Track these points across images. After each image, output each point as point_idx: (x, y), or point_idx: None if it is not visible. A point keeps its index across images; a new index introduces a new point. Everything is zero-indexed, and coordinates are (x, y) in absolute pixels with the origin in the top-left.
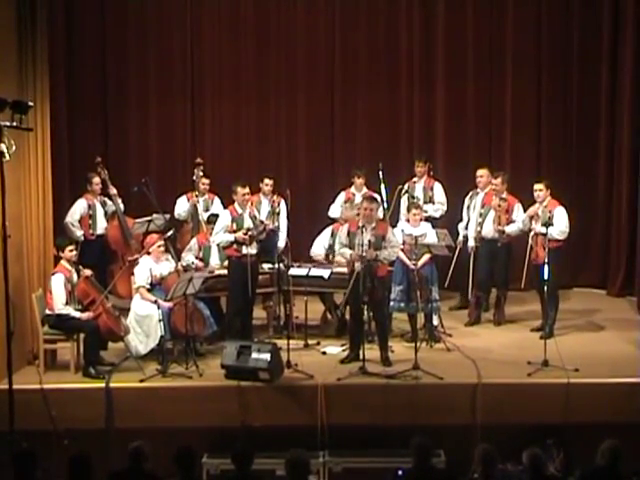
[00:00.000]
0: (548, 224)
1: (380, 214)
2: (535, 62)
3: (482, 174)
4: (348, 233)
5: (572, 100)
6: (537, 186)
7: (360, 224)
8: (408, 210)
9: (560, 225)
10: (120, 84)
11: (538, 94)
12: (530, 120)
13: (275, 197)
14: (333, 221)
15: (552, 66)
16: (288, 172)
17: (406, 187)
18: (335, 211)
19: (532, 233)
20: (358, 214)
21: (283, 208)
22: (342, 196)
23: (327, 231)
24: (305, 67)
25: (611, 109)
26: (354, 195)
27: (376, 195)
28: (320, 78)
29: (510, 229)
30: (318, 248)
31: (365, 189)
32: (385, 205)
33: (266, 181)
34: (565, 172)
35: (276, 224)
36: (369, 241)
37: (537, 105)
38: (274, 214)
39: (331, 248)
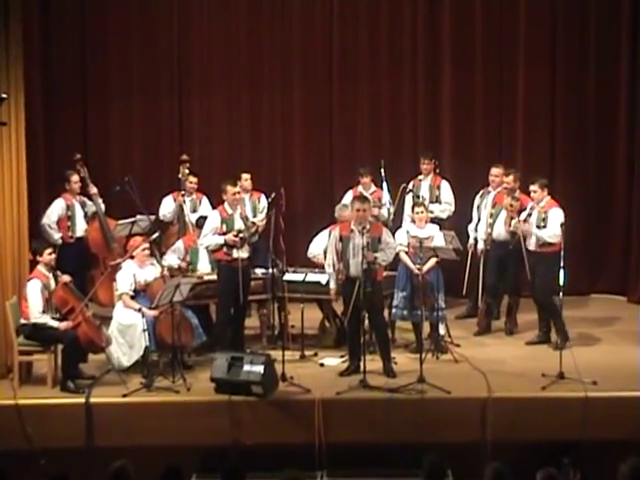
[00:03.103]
0: (541, 226)
1: (385, 214)
2: (549, 52)
3: (497, 173)
4: (340, 238)
5: (589, 93)
6: (531, 187)
7: (353, 226)
8: (412, 209)
9: (552, 228)
10: (101, 75)
11: (552, 87)
12: (543, 114)
13: (255, 193)
14: (331, 222)
15: (567, 56)
16: (283, 170)
17: (410, 186)
18: None
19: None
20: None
21: (264, 203)
22: (349, 195)
23: (324, 233)
24: (301, 57)
25: (631, 103)
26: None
27: (386, 194)
28: (317, 69)
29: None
30: (316, 248)
31: (373, 187)
32: (389, 206)
33: (244, 176)
34: (581, 170)
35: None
36: (367, 243)
37: (551, 98)
38: (257, 211)
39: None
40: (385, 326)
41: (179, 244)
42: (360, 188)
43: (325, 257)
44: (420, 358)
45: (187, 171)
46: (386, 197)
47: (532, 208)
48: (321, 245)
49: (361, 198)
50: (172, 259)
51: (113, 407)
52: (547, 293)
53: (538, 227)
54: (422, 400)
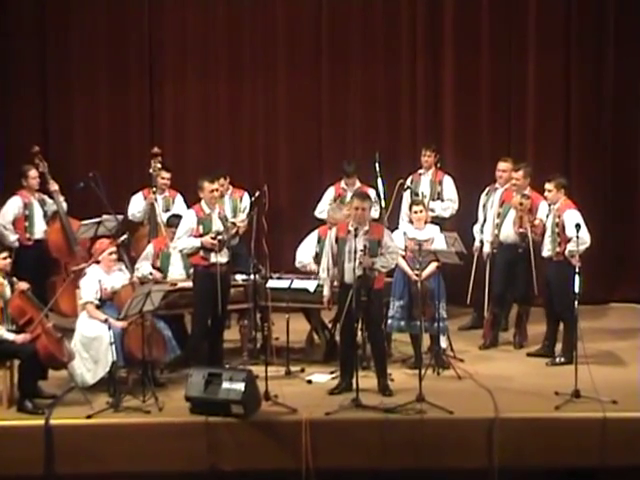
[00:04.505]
0: (556, 232)
1: (376, 214)
2: (563, 34)
3: (505, 168)
4: (336, 239)
5: (607, 80)
6: (547, 185)
7: (351, 227)
8: (410, 208)
9: (582, 236)
10: (63, 60)
11: (566, 72)
12: (557, 104)
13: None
14: (320, 223)
15: (583, 40)
16: (266, 164)
17: (409, 181)
18: (323, 211)
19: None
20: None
21: (246, 202)
22: (331, 192)
23: (312, 236)
24: (286, 38)
25: None
26: (345, 191)
27: (371, 190)
28: (304, 52)
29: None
30: (304, 256)
31: (358, 183)
32: (382, 203)
33: (222, 181)
34: (598, 166)
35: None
36: (364, 246)
37: (565, 85)
38: (237, 211)
39: (318, 257)
40: (383, 339)
41: (149, 249)
42: (343, 184)
43: (317, 263)
44: (419, 374)
45: (159, 166)
46: (373, 194)
47: (550, 211)
48: (309, 251)
49: (361, 195)
50: (145, 267)
51: (76, 429)
52: (568, 304)
53: (553, 233)
54: (421, 421)
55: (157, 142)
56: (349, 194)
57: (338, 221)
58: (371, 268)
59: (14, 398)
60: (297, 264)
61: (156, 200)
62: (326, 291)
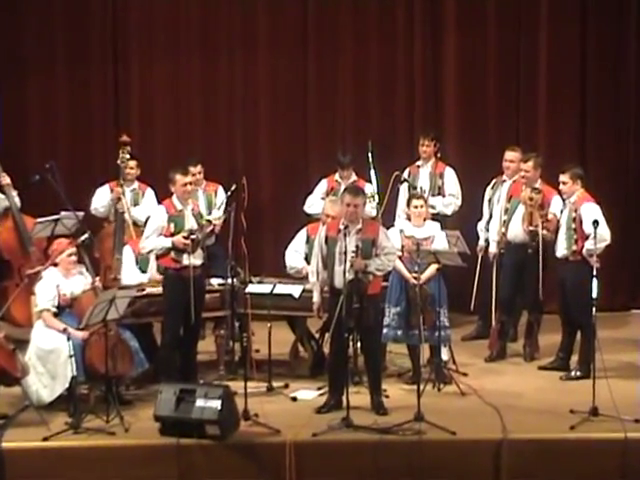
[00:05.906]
0: (572, 228)
1: (373, 212)
2: (579, 6)
3: (513, 158)
4: (326, 239)
5: (628, 57)
6: (562, 177)
7: (342, 225)
8: (408, 204)
9: (601, 232)
10: (15, 37)
11: (582, 50)
12: (571, 85)
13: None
14: (308, 220)
15: (601, 13)
16: (245, 155)
17: (406, 174)
18: (313, 205)
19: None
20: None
21: (221, 197)
22: (323, 185)
23: (300, 236)
24: (268, 9)
25: None
26: (339, 184)
27: (368, 185)
28: (288, 26)
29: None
30: (295, 260)
31: (355, 177)
32: (376, 198)
33: (194, 170)
34: (618, 155)
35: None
36: (356, 246)
37: (581, 65)
38: (212, 207)
39: (308, 259)
40: (379, 351)
41: (128, 252)
42: (337, 176)
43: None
44: (418, 390)
45: (128, 156)
46: (369, 188)
47: (565, 206)
48: (300, 252)
49: (353, 190)
50: (136, 275)
51: (31, 453)
52: (586, 310)
53: (568, 229)
54: (420, 443)
55: (122, 128)
56: (343, 187)
57: (337, 215)
58: (364, 271)
59: None
60: (289, 270)
61: (123, 193)
62: (316, 297)
